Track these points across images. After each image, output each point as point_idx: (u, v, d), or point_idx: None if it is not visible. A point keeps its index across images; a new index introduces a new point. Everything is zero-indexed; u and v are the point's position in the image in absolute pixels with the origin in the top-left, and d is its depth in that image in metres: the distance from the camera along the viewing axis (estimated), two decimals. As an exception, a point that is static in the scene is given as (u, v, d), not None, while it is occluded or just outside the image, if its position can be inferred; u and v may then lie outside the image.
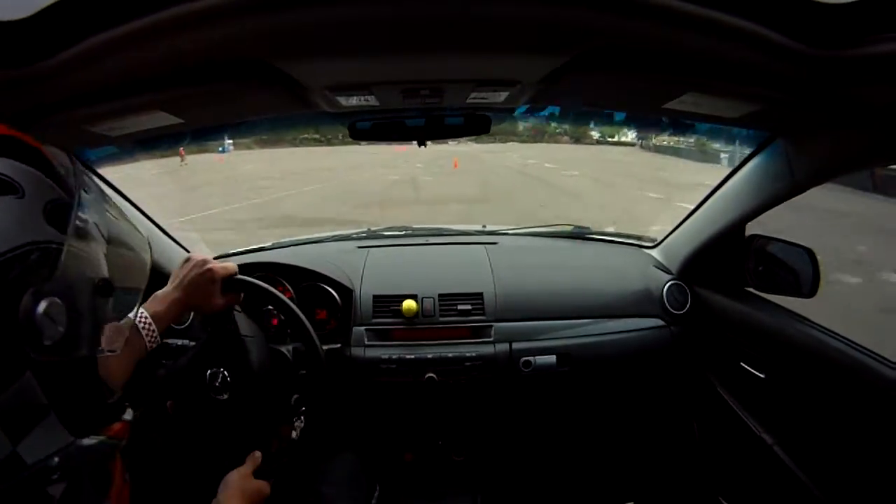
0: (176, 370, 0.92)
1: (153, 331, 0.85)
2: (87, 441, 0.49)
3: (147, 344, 0.84)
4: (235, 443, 0.97)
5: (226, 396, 0.90)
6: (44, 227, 0.43)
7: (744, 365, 1.23)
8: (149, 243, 0.62)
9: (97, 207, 0.51)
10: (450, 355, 1.31)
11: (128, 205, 1.27)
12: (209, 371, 0.91)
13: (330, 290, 1.38)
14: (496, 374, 1.33)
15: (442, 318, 1.36)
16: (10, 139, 0.46)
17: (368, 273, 1.45)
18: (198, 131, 1.17)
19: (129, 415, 0.58)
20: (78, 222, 0.47)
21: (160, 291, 0.91)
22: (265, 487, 0.88)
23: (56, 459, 0.44)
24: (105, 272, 0.50)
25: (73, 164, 0.51)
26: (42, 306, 0.42)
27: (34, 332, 0.42)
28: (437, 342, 1.34)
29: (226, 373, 0.91)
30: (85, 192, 0.49)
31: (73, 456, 0.46)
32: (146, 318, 0.85)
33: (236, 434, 0.96)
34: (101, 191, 0.54)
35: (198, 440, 0.98)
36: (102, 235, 0.50)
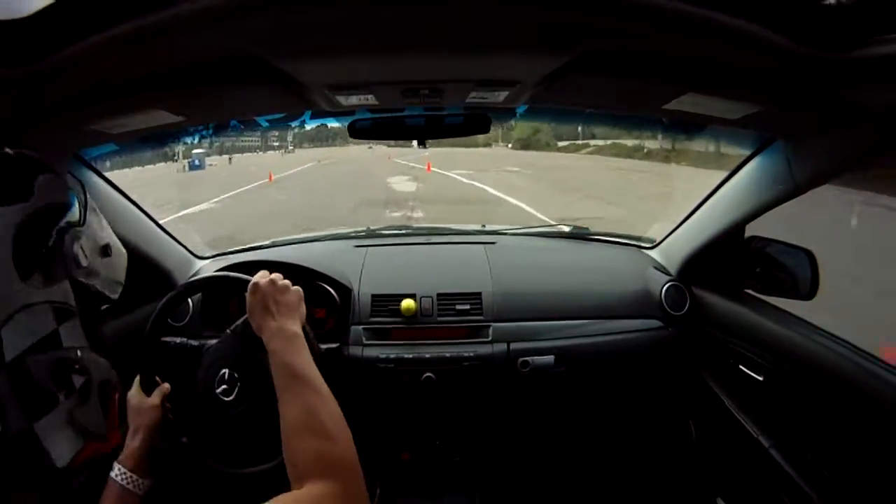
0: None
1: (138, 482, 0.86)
2: (96, 356, 0.63)
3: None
4: (239, 443, 0.97)
5: (232, 398, 0.90)
6: (69, 195, 0.63)
7: (741, 367, 1.23)
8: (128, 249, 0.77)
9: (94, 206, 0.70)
10: (448, 355, 1.31)
11: (126, 203, 1.27)
12: (221, 372, 0.91)
13: (328, 288, 1.38)
14: (494, 374, 1.33)
15: (440, 318, 1.36)
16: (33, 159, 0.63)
17: (367, 272, 1.45)
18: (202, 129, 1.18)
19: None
20: (88, 202, 0.66)
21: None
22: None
23: (79, 352, 0.59)
24: (106, 240, 0.68)
25: (76, 178, 0.71)
26: (79, 241, 0.61)
27: (75, 256, 0.60)
28: (435, 342, 1.34)
29: (236, 374, 0.91)
30: (85, 186, 0.68)
31: (87, 358, 0.60)
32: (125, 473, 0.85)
33: (241, 435, 0.97)
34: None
35: (200, 440, 0.99)
36: (99, 221, 0.69)
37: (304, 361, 0.73)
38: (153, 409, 0.93)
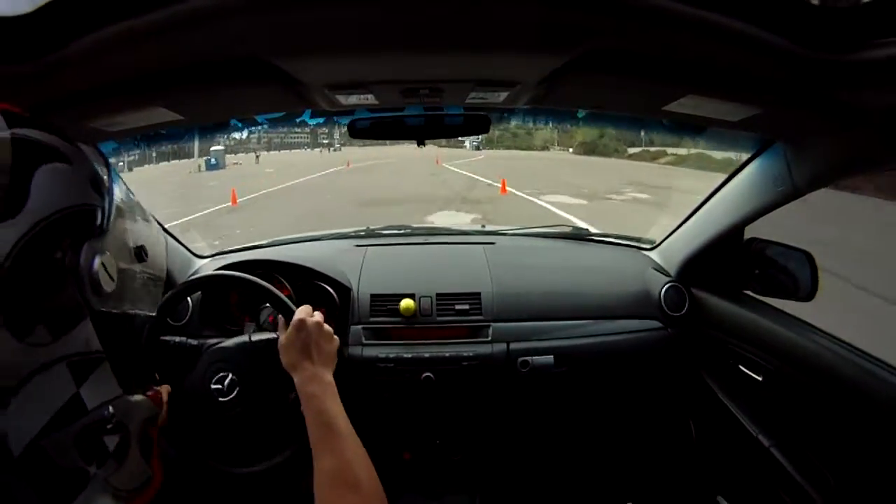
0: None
1: None
2: (133, 397, 0.51)
3: None
4: (237, 443, 0.97)
5: (230, 399, 0.90)
6: (90, 192, 0.47)
7: (741, 367, 1.24)
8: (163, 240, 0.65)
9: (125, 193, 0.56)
10: (447, 355, 1.31)
11: None
12: (221, 373, 0.91)
13: (328, 288, 1.38)
14: (493, 374, 1.33)
15: (439, 318, 1.36)
16: (47, 122, 0.49)
17: (366, 272, 1.45)
18: (202, 128, 1.17)
19: (164, 387, 0.64)
20: (112, 194, 0.51)
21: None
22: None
23: (111, 409, 0.46)
24: (139, 241, 0.54)
25: (99, 150, 0.54)
26: (98, 259, 0.46)
27: (94, 282, 0.45)
28: (434, 342, 1.34)
29: (235, 378, 0.91)
30: (113, 173, 0.53)
31: (123, 409, 0.49)
32: None
33: (239, 435, 0.97)
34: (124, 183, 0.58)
35: (197, 439, 0.98)
36: (132, 215, 0.55)
37: (340, 412, 0.73)
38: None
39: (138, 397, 0.52)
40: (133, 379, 0.52)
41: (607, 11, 0.54)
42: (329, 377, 0.78)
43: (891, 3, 0.50)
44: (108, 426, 0.46)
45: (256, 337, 0.95)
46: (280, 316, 0.90)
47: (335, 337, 0.85)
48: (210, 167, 14.34)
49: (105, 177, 0.50)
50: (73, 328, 0.44)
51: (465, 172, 13.29)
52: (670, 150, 14.51)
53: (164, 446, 0.94)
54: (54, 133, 0.46)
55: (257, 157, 18.38)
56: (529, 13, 0.56)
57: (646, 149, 15.71)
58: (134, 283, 0.53)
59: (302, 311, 0.84)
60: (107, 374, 0.47)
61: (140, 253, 0.54)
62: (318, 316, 0.84)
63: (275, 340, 0.89)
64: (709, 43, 0.59)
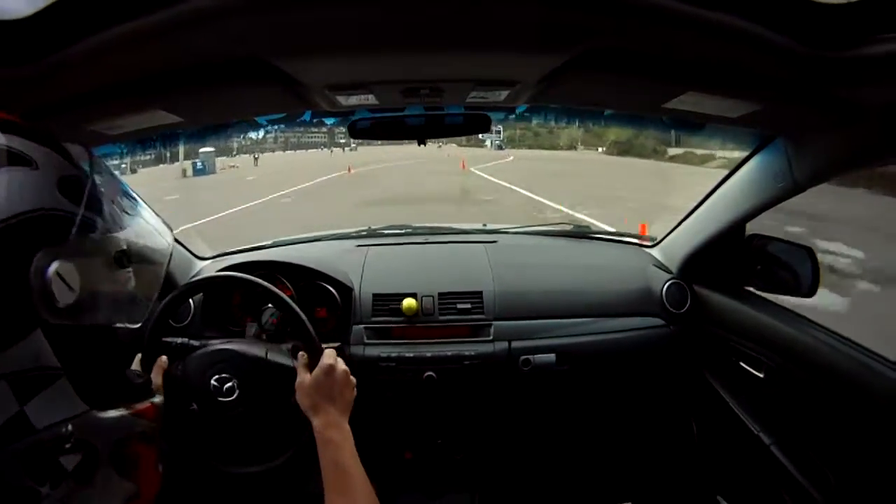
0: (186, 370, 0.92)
1: None
2: (106, 414, 0.48)
3: None
4: (236, 443, 0.97)
5: (230, 399, 0.90)
6: (57, 196, 0.45)
7: (742, 364, 1.24)
8: (171, 239, 0.63)
9: (112, 191, 0.52)
10: (449, 354, 1.31)
11: None
12: (223, 374, 0.90)
13: (329, 288, 1.38)
14: (495, 373, 1.33)
15: (441, 317, 1.36)
16: (16, 123, 0.47)
17: (368, 271, 1.45)
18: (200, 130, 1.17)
19: (158, 398, 0.58)
20: (92, 197, 0.48)
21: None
22: None
23: (69, 427, 0.44)
24: (122, 245, 0.50)
25: (89, 152, 0.53)
26: (53, 267, 0.43)
27: (46, 293, 0.42)
28: (436, 341, 1.34)
29: (237, 382, 0.90)
30: (101, 174, 0.51)
31: (89, 427, 0.46)
32: None
33: (242, 436, 0.96)
34: (120, 184, 0.56)
35: (198, 438, 0.99)
36: (118, 217, 0.52)
37: (356, 460, 0.76)
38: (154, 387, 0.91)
39: (114, 414, 0.49)
40: (111, 395, 0.50)
41: (607, 11, 0.54)
42: (347, 425, 0.80)
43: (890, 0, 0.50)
44: (66, 445, 0.44)
45: (274, 357, 0.92)
46: (303, 354, 0.88)
47: (356, 386, 0.87)
48: (197, 172, 12.52)
49: (86, 181, 0.48)
50: (16, 342, 0.41)
51: (504, 183, 9.75)
52: (719, 154, 11.52)
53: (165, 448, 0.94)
54: (23, 136, 0.45)
55: (256, 158, 16.99)
56: (529, 13, 0.56)
57: (691, 150, 13.01)
58: (113, 292, 0.50)
59: (330, 356, 0.85)
60: (63, 392, 0.44)
61: (122, 259, 0.50)
62: (342, 366, 0.86)
63: (290, 370, 0.89)
64: (709, 41, 0.59)
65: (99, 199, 0.49)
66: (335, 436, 0.77)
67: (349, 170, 14.60)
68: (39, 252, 0.42)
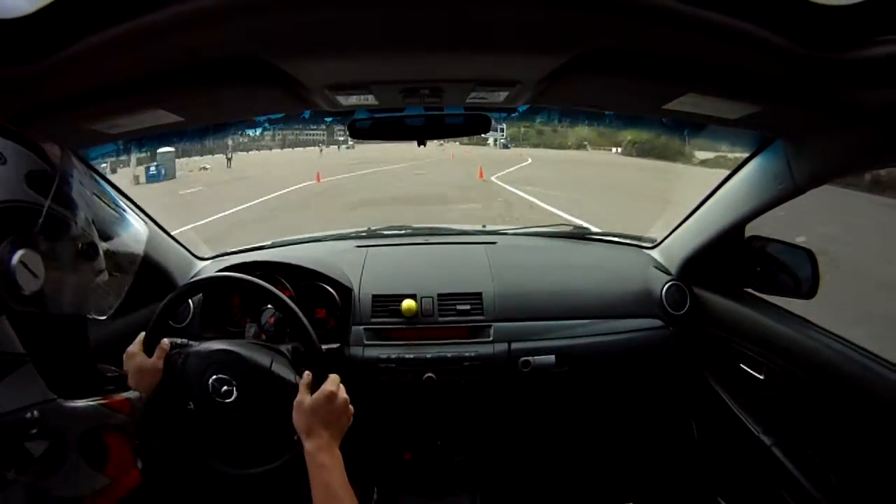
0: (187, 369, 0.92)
1: None
2: (74, 403, 0.49)
3: None
4: (234, 444, 0.97)
5: (230, 401, 0.90)
6: (25, 189, 0.47)
7: (742, 366, 1.23)
8: (145, 237, 0.64)
9: (85, 187, 0.54)
10: (449, 355, 1.31)
11: (131, 206, 1.27)
12: (221, 376, 0.90)
13: (329, 289, 1.38)
14: (495, 374, 1.33)
15: (441, 318, 1.36)
16: None
17: (368, 272, 1.45)
18: (200, 130, 1.17)
19: (133, 394, 0.58)
20: (61, 191, 0.49)
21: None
22: None
23: (35, 413, 0.45)
24: (91, 238, 0.52)
25: (65, 151, 0.54)
26: (17, 255, 0.44)
27: (10, 280, 0.44)
28: (436, 342, 1.34)
29: (235, 384, 0.90)
30: (71, 172, 0.53)
31: (56, 415, 0.46)
32: None
33: (241, 436, 0.96)
34: (96, 181, 0.57)
35: (201, 440, 0.98)
36: (89, 213, 0.53)
37: (345, 482, 0.78)
38: (155, 370, 0.90)
39: (84, 404, 0.50)
40: (81, 385, 0.50)
41: (607, 11, 0.54)
42: (338, 450, 0.81)
43: (889, 1, 0.50)
44: (32, 431, 0.44)
45: (278, 370, 0.92)
46: (308, 373, 0.88)
47: (352, 416, 0.88)
48: (150, 178, 10.68)
49: (54, 175, 0.49)
50: None
51: (561, 213, 6.49)
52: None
53: (161, 445, 0.93)
54: None
55: (229, 159, 15.13)
56: (529, 13, 0.56)
57: (722, 154, 9.59)
58: (80, 283, 0.51)
59: (333, 382, 0.86)
60: (28, 378, 0.45)
61: (89, 251, 0.52)
62: (343, 393, 0.86)
63: (292, 386, 0.89)
64: (709, 42, 0.59)
65: (68, 194, 0.50)
66: (326, 460, 0.78)
67: (318, 178, 11.57)
68: (5, 241, 0.44)
